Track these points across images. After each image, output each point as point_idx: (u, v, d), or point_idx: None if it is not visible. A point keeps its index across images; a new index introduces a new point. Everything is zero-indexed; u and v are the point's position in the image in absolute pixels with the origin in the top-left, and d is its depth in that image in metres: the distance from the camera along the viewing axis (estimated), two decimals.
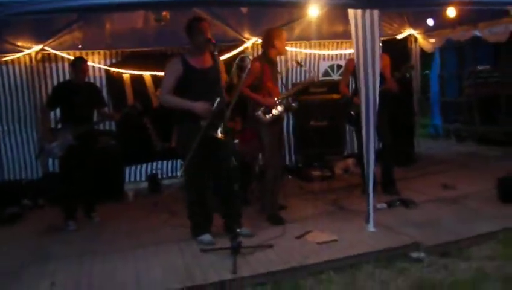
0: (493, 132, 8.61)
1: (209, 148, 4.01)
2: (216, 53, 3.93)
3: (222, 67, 4.22)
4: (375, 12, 3.93)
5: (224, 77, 4.15)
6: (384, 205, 4.89)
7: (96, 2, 3.05)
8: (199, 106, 3.94)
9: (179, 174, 6.94)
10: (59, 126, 5.10)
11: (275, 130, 4.75)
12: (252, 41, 6.84)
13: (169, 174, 7.11)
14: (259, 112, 4.60)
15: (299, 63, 5.30)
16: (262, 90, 4.63)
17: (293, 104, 4.75)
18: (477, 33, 6.89)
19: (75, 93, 4.92)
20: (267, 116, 4.61)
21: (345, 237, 4.06)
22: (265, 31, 4.82)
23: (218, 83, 3.87)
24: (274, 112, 4.62)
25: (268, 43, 4.67)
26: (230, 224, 4.02)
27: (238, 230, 3.86)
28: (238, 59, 4.19)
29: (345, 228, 4.30)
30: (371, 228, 4.18)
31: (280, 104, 4.65)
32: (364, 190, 4.67)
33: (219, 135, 3.88)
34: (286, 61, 7.18)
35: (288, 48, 7.09)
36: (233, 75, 4.24)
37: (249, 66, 4.37)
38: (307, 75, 7.09)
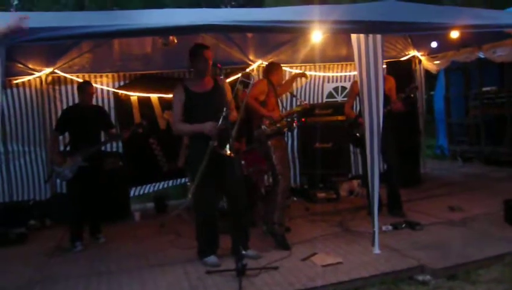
0: (500, 153, 8.57)
1: (218, 168, 4.05)
2: (222, 77, 3.99)
3: (228, 89, 4.30)
4: (378, 37, 4.00)
5: (229, 97, 4.22)
6: (390, 227, 4.87)
7: (104, 29, 3.10)
8: (207, 126, 4.01)
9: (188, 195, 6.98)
10: (67, 149, 5.18)
11: (282, 143, 4.85)
12: (257, 64, 6.93)
13: (176, 193, 7.13)
14: (265, 125, 4.69)
15: (291, 94, 5.44)
16: (267, 106, 4.76)
17: (294, 125, 4.85)
18: (481, 55, 6.93)
19: (82, 116, 5.01)
20: (272, 127, 4.69)
21: (350, 259, 4.05)
22: (266, 65, 5.24)
23: (221, 103, 3.94)
24: (278, 124, 4.71)
25: (267, 74, 4.93)
26: (236, 245, 4.03)
27: (244, 252, 3.84)
28: (241, 75, 4.24)
29: (350, 250, 4.30)
30: (376, 250, 4.17)
31: (283, 119, 4.77)
32: (369, 211, 4.67)
33: (227, 152, 3.93)
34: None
35: (293, 71, 7.24)
36: (237, 91, 4.29)
37: (254, 80, 4.54)
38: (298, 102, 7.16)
